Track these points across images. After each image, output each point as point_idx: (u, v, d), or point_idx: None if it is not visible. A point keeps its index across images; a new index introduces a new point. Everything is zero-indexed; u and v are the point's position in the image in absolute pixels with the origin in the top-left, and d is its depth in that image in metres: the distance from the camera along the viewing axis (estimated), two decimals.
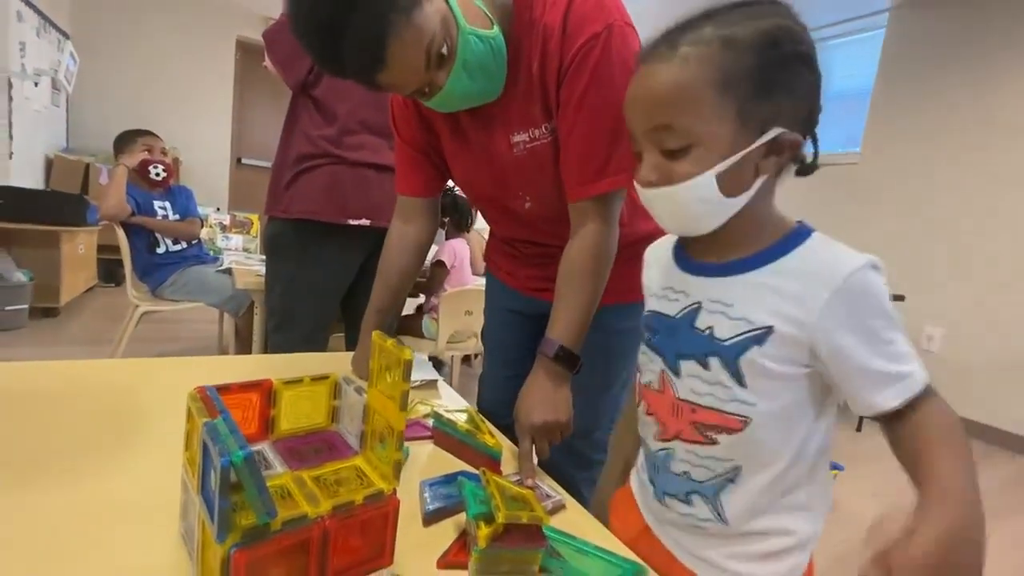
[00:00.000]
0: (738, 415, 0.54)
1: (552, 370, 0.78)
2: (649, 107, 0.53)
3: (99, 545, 0.46)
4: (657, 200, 0.55)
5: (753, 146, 0.50)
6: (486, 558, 0.48)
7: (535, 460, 0.74)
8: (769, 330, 0.51)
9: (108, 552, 0.46)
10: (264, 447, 0.52)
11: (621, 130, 0.57)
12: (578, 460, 0.99)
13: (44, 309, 3.15)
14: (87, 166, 3.99)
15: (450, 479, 0.65)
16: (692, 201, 0.52)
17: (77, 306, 3.51)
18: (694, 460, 0.58)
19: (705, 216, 0.54)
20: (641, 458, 0.69)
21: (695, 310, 0.57)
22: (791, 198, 0.56)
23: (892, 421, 0.50)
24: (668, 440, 0.60)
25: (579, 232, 0.81)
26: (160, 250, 2.53)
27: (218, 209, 3.79)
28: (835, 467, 2.05)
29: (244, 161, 5.30)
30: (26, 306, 2.94)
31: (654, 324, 0.63)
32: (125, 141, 2.53)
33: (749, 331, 0.52)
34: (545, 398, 0.77)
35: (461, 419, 0.79)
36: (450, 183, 1.04)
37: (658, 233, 0.68)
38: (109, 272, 4.11)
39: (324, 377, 0.56)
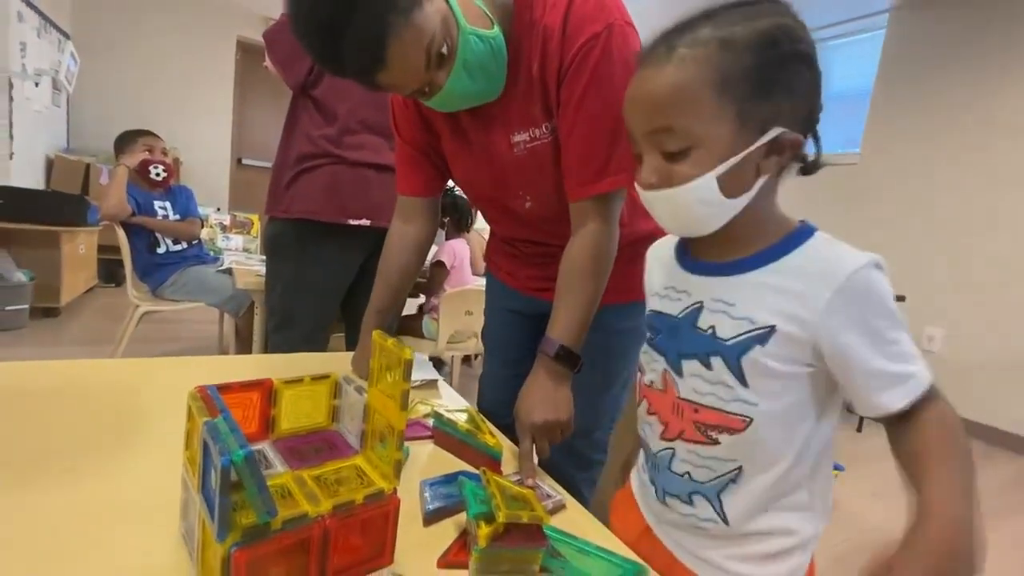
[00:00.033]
0: (740, 415, 0.54)
1: (553, 369, 0.78)
2: (648, 110, 0.53)
3: (99, 545, 0.46)
4: (658, 202, 0.55)
5: (753, 146, 0.50)
6: (486, 557, 0.48)
7: (535, 460, 0.74)
8: (771, 330, 0.51)
9: (108, 552, 0.46)
10: (264, 446, 0.52)
11: (621, 130, 0.57)
12: (578, 460, 0.99)
13: (44, 309, 3.15)
14: (87, 166, 3.99)
15: (450, 479, 0.65)
16: (693, 203, 0.52)
17: (77, 306, 3.51)
18: (696, 460, 0.58)
19: (706, 217, 0.54)
20: (642, 458, 0.69)
21: (697, 309, 0.57)
22: (790, 199, 0.56)
23: (895, 422, 0.50)
24: (670, 440, 0.60)
25: (580, 232, 0.81)
26: (160, 250, 2.53)
27: (218, 209, 3.79)
28: (835, 467, 2.05)
29: (244, 161, 5.31)
30: (26, 306, 2.94)
31: (656, 324, 0.63)
32: (126, 141, 2.53)
33: (751, 331, 0.52)
34: (546, 397, 0.77)
35: (461, 419, 0.79)
36: (450, 183, 1.04)
37: (659, 233, 0.68)
38: (109, 272, 4.11)
39: (324, 376, 0.56)
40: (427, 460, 0.73)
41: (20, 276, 2.94)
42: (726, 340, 0.54)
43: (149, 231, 2.49)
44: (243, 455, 0.36)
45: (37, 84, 3.72)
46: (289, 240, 1.49)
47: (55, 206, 3.24)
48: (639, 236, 0.85)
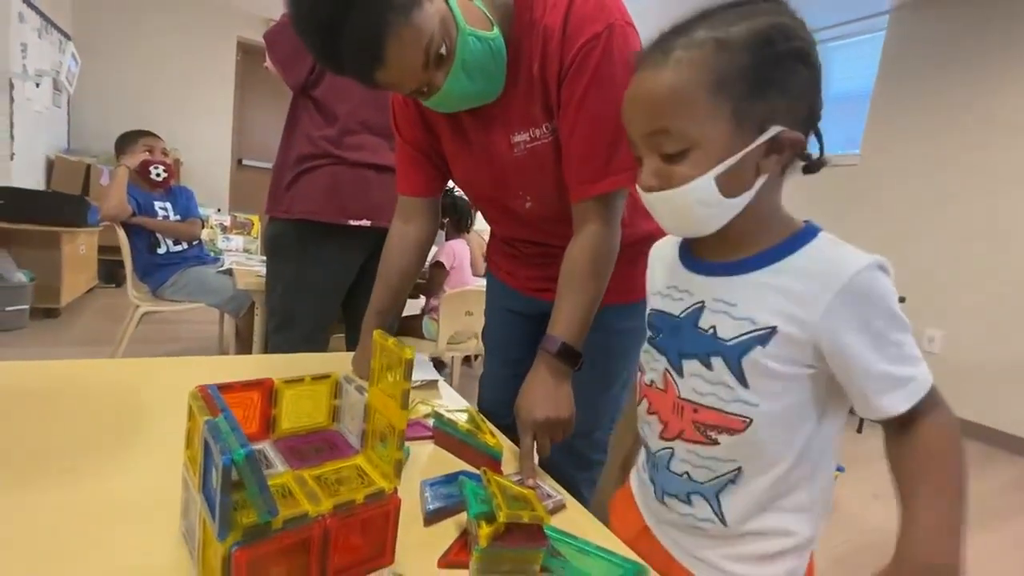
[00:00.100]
0: (740, 415, 0.53)
1: (554, 366, 0.78)
2: (645, 112, 0.53)
3: (99, 545, 0.46)
4: (658, 203, 0.55)
5: (751, 146, 0.50)
6: (487, 557, 0.48)
7: (536, 459, 0.74)
8: (773, 330, 0.51)
9: (108, 552, 0.45)
10: (265, 446, 0.52)
11: (622, 130, 0.57)
12: (578, 460, 0.99)
13: (45, 310, 3.15)
14: (88, 167, 3.99)
15: (451, 479, 0.65)
16: (692, 204, 0.52)
17: (78, 307, 3.51)
18: (695, 461, 0.58)
19: (706, 218, 0.54)
20: (642, 457, 0.69)
21: (699, 309, 0.57)
22: (790, 199, 0.56)
23: (894, 426, 0.50)
24: (669, 440, 0.60)
25: (581, 232, 0.81)
26: (161, 251, 2.53)
27: (219, 210, 3.80)
28: (836, 468, 2.05)
29: (245, 162, 5.31)
30: (27, 307, 2.94)
31: (658, 323, 0.63)
32: (126, 142, 2.53)
33: (752, 331, 0.52)
34: (547, 394, 0.77)
35: (462, 419, 0.79)
36: (450, 183, 1.04)
37: (659, 233, 0.68)
38: (110, 273, 4.11)
39: (325, 376, 0.56)
40: (427, 460, 0.73)
41: (20, 276, 2.94)
42: (727, 340, 0.54)
43: (149, 232, 2.49)
44: (244, 454, 0.36)
45: (38, 85, 3.72)
46: (289, 241, 1.50)
47: (55, 206, 3.24)
48: (640, 236, 0.85)
